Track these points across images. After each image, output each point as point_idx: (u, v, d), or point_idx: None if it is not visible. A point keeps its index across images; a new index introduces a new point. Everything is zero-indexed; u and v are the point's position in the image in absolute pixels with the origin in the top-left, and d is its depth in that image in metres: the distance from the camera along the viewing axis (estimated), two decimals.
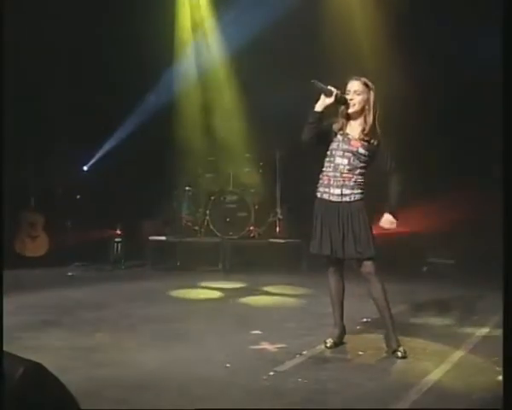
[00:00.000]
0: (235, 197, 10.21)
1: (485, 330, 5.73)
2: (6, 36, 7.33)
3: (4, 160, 8.36)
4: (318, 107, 4.94)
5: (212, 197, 10.21)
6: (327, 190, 5.01)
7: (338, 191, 4.96)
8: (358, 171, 4.96)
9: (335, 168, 4.97)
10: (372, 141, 4.94)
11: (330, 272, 5.19)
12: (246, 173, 10.39)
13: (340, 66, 8.78)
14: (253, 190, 10.34)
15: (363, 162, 4.95)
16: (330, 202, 4.99)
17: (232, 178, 10.37)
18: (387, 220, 4.98)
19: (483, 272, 7.93)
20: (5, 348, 2.51)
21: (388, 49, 9.24)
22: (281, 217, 10.27)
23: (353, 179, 4.95)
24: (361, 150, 4.94)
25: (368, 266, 4.93)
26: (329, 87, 4.92)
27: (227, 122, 10.62)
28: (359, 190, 4.96)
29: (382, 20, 9.53)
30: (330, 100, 4.91)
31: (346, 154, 4.95)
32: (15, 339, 5.01)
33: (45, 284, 8.17)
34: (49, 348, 4.98)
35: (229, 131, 10.50)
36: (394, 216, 4.98)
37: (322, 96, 4.91)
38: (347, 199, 4.94)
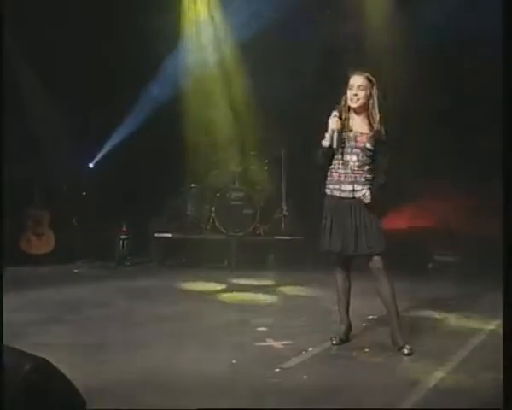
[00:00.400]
0: (240, 194, 10.21)
1: (490, 328, 5.72)
2: (10, 32, 7.36)
3: (9, 157, 8.40)
4: (326, 142, 4.93)
5: (218, 194, 10.21)
6: (337, 186, 4.99)
7: (349, 187, 4.95)
8: (367, 167, 4.94)
9: (345, 165, 4.95)
10: (378, 135, 4.93)
11: (338, 269, 5.18)
12: (251, 170, 10.39)
13: (343, 58, 8.81)
14: (258, 187, 10.34)
15: (371, 158, 4.94)
16: (341, 198, 4.97)
17: (238, 175, 10.36)
18: (364, 194, 4.92)
19: (488, 269, 7.90)
20: (11, 345, 2.52)
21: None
22: (286, 214, 10.26)
23: (364, 175, 4.94)
24: (368, 145, 4.92)
25: (377, 261, 4.91)
26: (331, 124, 4.92)
27: (232, 118, 10.62)
28: (369, 186, 4.95)
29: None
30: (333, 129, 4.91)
31: (355, 150, 4.93)
32: (21, 336, 5.02)
33: (51, 281, 8.19)
34: (54, 344, 4.98)
35: (235, 128, 10.50)
36: (372, 193, 4.92)
37: (329, 131, 4.91)
38: (359, 195, 4.93)
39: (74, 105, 9.88)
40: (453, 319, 6.15)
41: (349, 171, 4.95)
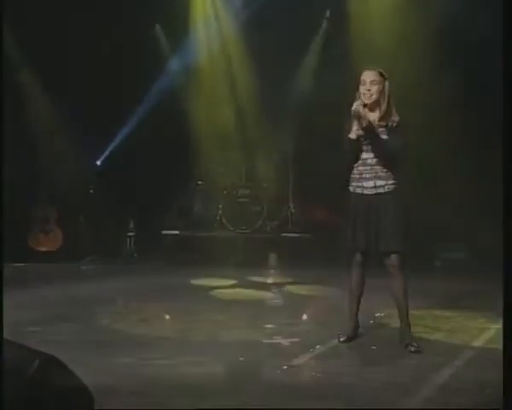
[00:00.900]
0: (247, 191, 10.22)
1: (496, 326, 5.68)
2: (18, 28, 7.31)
3: (16, 157, 8.44)
4: (353, 134, 4.88)
5: (225, 192, 10.22)
6: (359, 184, 4.96)
7: (371, 184, 4.92)
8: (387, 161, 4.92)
9: (364, 163, 4.94)
10: (390, 124, 4.89)
11: (355, 265, 5.12)
12: (259, 168, 10.40)
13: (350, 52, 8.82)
14: (265, 185, 10.34)
15: (391, 150, 4.90)
16: (363, 195, 4.95)
17: (245, 173, 10.37)
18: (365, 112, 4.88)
19: (494, 266, 7.87)
20: (19, 342, 2.53)
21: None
22: (293, 211, 10.27)
23: (385, 170, 4.92)
24: (383, 138, 4.89)
25: (394, 259, 4.88)
26: (354, 108, 4.87)
27: (240, 116, 10.62)
28: (392, 181, 4.93)
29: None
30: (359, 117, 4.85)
31: (369, 146, 4.91)
32: (29, 333, 5.04)
33: (58, 279, 8.22)
34: (62, 341, 4.98)
35: (242, 125, 10.50)
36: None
37: (355, 122, 4.86)
38: (381, 190, 4.90)
39: (81, 103, 9.89)
40: (462, 317, 6.14)
41: (369, 167, 4.93)
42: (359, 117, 4.81)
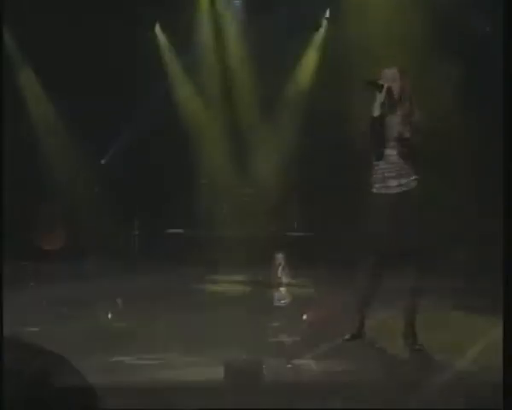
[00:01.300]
0: (251, 191, 10.22)
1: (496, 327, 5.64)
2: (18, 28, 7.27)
3: (20, 156, 8.45)
4: (376, 111, 4.85)
5: (228, 191, 10.23)
6: (383, 184, 4.91)
7: (395, 182, 4.87)
8: (409, 158, 4.88)
9: (386, 160, 4.89)
10: (412, 119, 4.85)
11: (372, 266, 5.07)
12: (260, 167, 10.38)
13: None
14: (269, 184, 10.32)
15: (410, 148, 4.87)
16: (387, 195, 4.90)
17: (247, 172, 10.36)
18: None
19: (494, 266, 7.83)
20: (20, 340, 2.50)
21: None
22: (296, 210, 10.25)
23: (407, 166, 4.88)
24: (406, 135, 4.84)
25: (412, 258, 4.87)
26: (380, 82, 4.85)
27: (240, 115, 10.61)
28: (414, 176, 4.88)
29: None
30: (382, 98, 4.82)
31: (392, 143, 4.87)
32: (32, 332, 5.04)
33: (62, 277, 8.22)
34: (65, 340, 4.95)
35: (243, 125, 10.50)
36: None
37: (377, 99, 4.83)
38: (406, 188, 4.87)
39: (81, 103, 9.89)
40: (466, 315, 6.11)
41: (390, 166, 4.88)
42: (381, 87, 4.80)
